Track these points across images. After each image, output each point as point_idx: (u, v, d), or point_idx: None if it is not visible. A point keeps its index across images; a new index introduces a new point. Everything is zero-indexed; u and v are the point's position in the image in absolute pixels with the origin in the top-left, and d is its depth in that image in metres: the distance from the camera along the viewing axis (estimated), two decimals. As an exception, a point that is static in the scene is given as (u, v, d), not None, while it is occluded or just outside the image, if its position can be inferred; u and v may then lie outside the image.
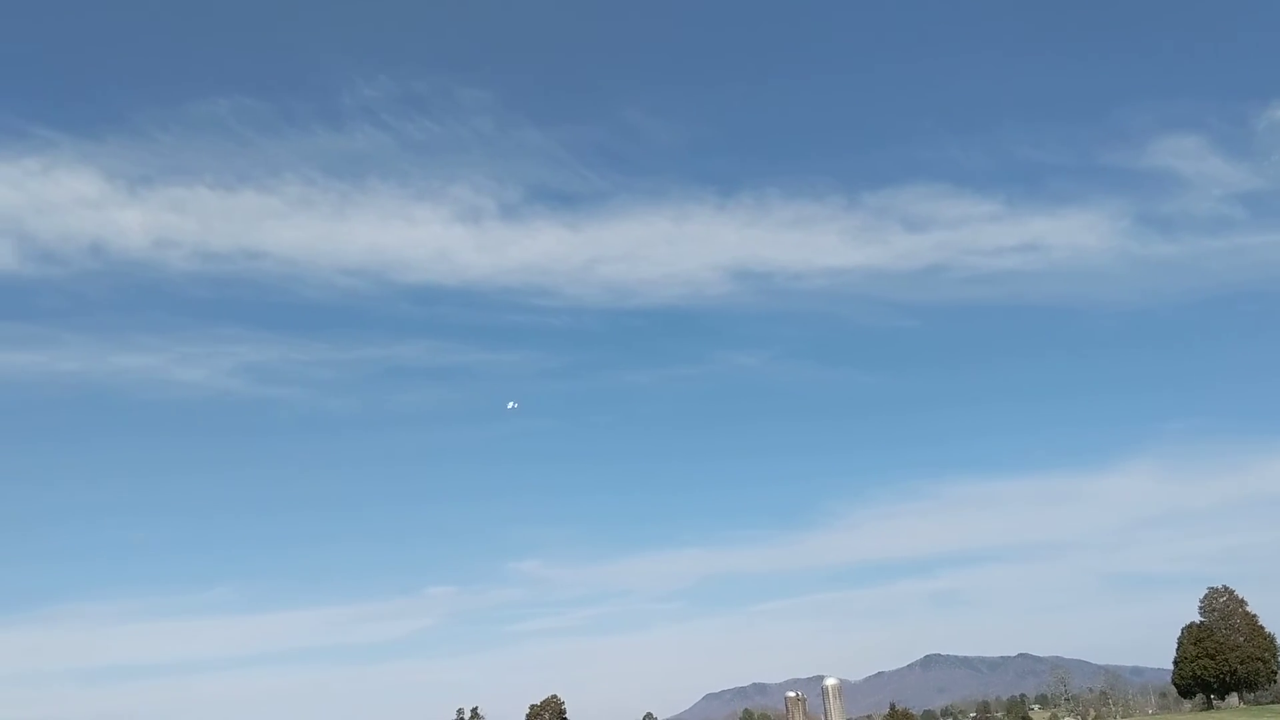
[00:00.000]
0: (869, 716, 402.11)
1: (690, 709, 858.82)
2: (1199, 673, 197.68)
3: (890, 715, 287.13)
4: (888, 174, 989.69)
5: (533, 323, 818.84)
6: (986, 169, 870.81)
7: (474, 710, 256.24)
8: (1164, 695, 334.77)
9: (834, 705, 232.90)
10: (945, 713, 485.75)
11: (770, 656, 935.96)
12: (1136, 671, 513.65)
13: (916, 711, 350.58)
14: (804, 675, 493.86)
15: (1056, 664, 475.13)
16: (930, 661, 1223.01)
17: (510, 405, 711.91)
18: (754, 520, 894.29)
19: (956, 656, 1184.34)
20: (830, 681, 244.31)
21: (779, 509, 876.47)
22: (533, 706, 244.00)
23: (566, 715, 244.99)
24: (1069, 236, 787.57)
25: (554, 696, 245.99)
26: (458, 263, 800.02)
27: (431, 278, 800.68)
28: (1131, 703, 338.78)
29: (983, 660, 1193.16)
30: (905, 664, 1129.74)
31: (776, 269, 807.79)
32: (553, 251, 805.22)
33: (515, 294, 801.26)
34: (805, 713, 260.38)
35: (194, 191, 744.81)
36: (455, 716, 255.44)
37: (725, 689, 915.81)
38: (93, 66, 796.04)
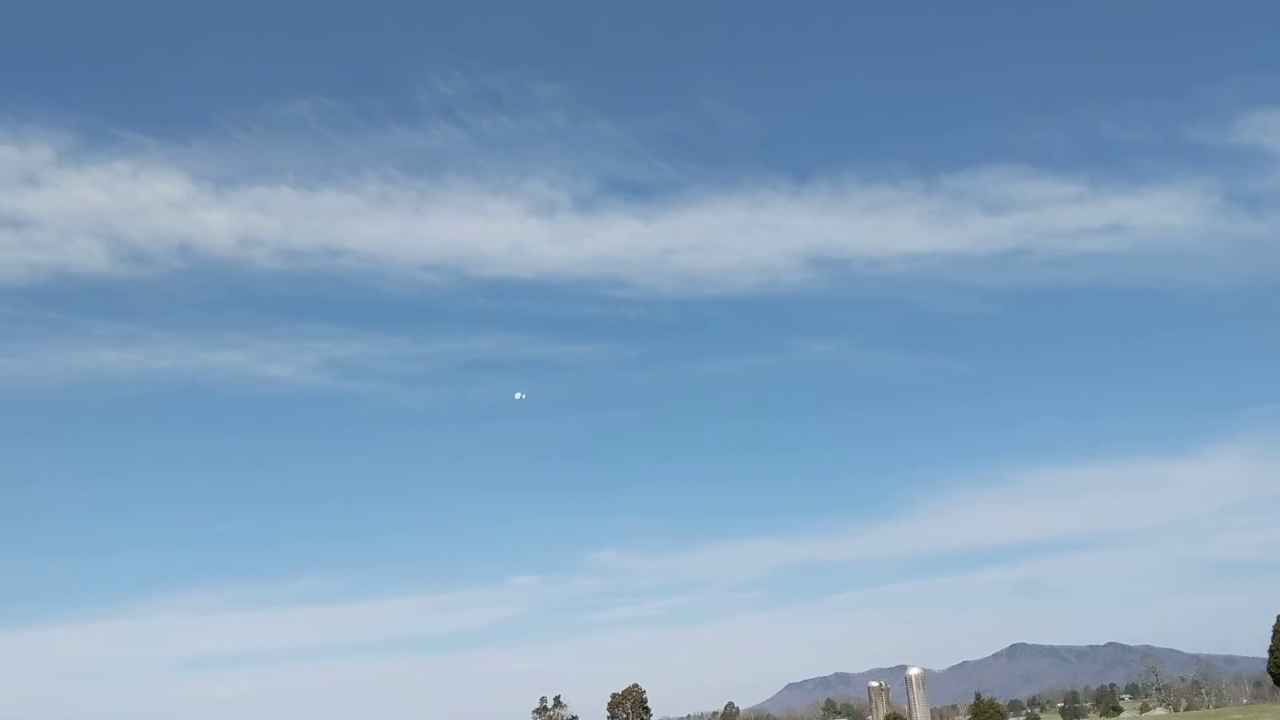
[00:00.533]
0: (953, 706, 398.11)
1: (772, 698, 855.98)
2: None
3: (975, 705, 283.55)
4: (966, 156, 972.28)
5: (608, 314, 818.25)
6: (1068, 149, 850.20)
7: (556, 699, 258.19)
8: (1259, 685, 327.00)
9: (917, 695, 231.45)
10: (1032, 703, 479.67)
11: (852, 646, 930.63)
12: (1230, 660, 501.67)
13: (1002, 701, 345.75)
14: (887, 665, 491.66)
15: (1147, 653, 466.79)
16: (1016, 651, 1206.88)
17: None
18: (833, 509, 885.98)
19: (1043, 646, 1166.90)
20: (913, 671, 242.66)
21: (858, 497, 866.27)
22: (614, 695, 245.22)
23: (648, 704, 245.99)
24: (1154, 217, 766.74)
25: (635, 686, 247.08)
26: (533, 256, 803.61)
27: (507, 271, 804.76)
28: (1225, 693, 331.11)
29: (1070, 650, 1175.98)
30: (990, 653, 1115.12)
31: (853, 255, 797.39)
32: (626, 243, 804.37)
33: (590, 286, 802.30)
34: (889, 702, 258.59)
35: (277, 191, 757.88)
36: (538, 705, 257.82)
37: (807, 679, 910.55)
38: (176, 69, 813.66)
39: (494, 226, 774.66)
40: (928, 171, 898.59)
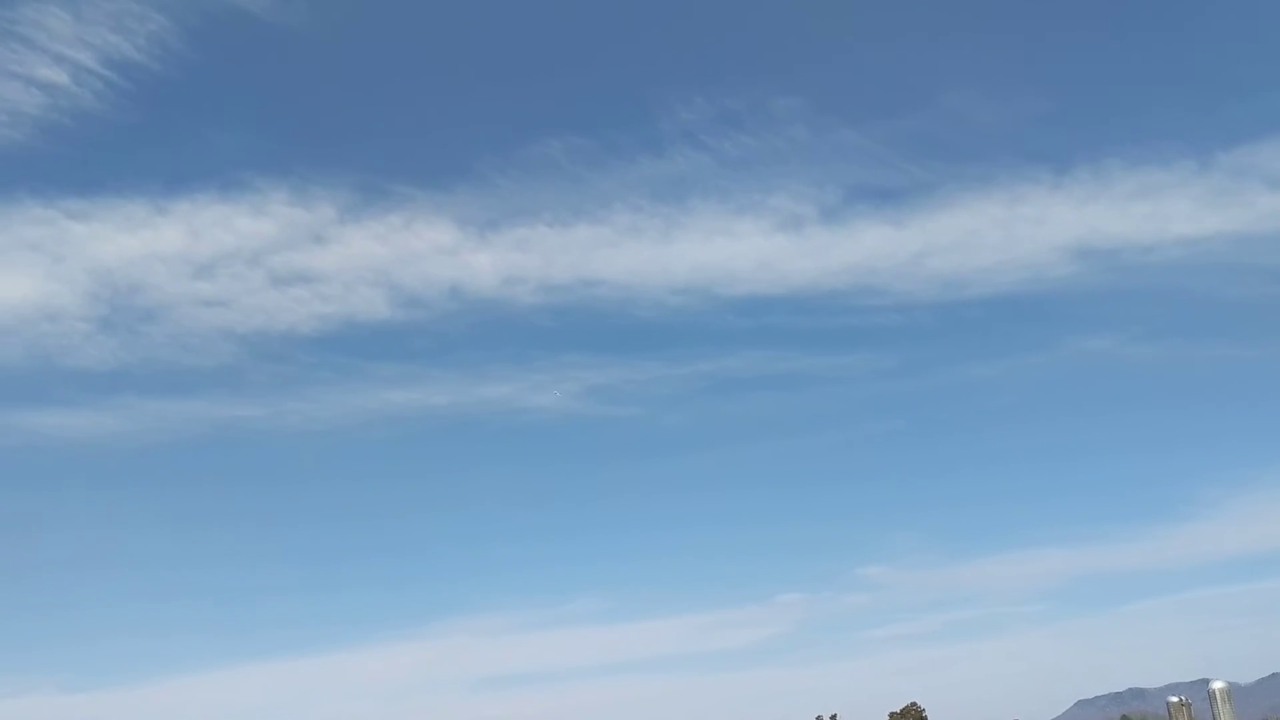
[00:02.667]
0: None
1: (1061, 715, 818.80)
2: None
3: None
4: (1244, 129, 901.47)
5: (862, 324, 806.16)
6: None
7: (833, 717, 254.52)
8: None
9: (1223, 710, 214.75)
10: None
11: (1148, 659, 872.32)
12: None
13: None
14: (1187, 679, 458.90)
15: None
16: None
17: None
18: (1124, 514, 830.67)
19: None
20: (1217, 685, 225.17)
21: (1149, 501, 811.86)
22: (892, 714, 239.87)
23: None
24: None
25: (914, 704, 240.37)
26: (782, 271, 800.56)
27: (757, 289, 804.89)
28: None
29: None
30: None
31: (1123, 244, 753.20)
32: (877, 250, 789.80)
33: (842, 297, 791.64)
34: (1191, 719, 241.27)
35: (535, 230, 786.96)
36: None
37: (1099, 694, 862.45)
38: (438, 122, 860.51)
39: (741, 245, 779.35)
40: (1201, 149, 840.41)
